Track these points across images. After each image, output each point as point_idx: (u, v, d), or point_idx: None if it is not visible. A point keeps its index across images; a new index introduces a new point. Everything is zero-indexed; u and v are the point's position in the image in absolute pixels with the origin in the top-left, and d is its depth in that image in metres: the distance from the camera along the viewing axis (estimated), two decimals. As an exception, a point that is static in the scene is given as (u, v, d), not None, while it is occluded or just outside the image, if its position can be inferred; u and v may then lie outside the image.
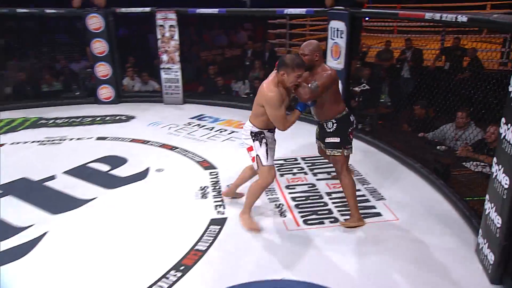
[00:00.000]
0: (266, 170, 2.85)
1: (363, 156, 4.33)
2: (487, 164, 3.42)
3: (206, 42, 8.79)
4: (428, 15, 3.36)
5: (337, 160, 3.05)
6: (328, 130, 3.04)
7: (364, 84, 5.40)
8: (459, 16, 2.96)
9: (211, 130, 5.22)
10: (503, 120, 2.34)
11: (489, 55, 6.34)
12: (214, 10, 5.84)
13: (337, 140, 3.00)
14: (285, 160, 4.20)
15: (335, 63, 4.68)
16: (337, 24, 4.60)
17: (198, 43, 8.26)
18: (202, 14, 6.02)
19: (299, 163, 4.11)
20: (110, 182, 3.77)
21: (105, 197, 3.52)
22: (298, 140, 4.57)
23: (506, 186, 2.26)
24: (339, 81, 3.35)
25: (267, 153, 2.85)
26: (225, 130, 5.21)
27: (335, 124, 3.00)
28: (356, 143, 4.69)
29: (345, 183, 3.05)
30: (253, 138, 2.85)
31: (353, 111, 5.07)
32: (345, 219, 3.12)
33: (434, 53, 6.94)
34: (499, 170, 2.35)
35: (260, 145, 2.84)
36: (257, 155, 2.84)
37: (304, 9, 5.06)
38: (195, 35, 8.41)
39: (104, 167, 4.09)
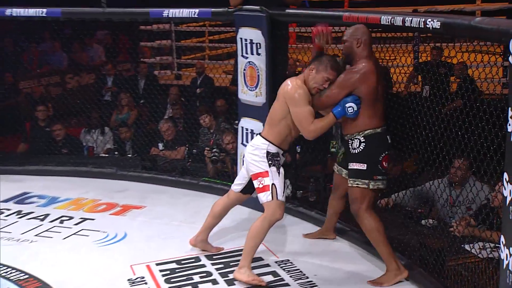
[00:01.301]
0: (279, 205, 3.72)
1: (306, 243, 4.50)
2: (498, 246, 3.70)
3: (30, 63, 8.71)
4: (385, 18, 3.71)
5: (356, 194, 3.67)
6: (352, 151, 3.70)
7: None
8: (429, 20, 3.30)
9: (42, 220, 5.14)
10: (505, 176, 2.57)
11: (486, 72, 6.99)
12: (41, 11, 5.90)
13: (363, 167, 3.65)
14: (178, 262, 4.21)
15: (251, 94, 4.93)
16: (249, 34, 4.87)
17: (16, 66, 8.13)
18: (17, 18, 6.04)
19: (203, 265, 4.14)
20: None
21: None
22: (202, 221, 4.50)
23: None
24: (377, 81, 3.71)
25: (284, 185, 3.77)
26: (70, 218, 5.15)
27: (362, 144, 3.65)
28: (294, 221, 4.90)
29: (368, 227, 3.66)
30: (270, 162, 3.68)
31: (288, 169, 5.29)
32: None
33: (406, 71, 7.55)
34: (510, 256, 2.52)
35: (278, 173, 3.71)
36: (273, 184, 3.67)
37: (196, 10, 5.31)
38: (10, 52, 8.29)
39: None
